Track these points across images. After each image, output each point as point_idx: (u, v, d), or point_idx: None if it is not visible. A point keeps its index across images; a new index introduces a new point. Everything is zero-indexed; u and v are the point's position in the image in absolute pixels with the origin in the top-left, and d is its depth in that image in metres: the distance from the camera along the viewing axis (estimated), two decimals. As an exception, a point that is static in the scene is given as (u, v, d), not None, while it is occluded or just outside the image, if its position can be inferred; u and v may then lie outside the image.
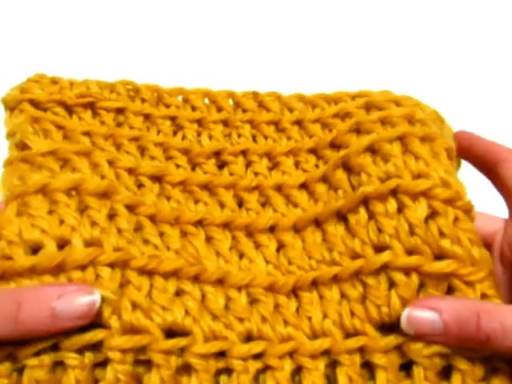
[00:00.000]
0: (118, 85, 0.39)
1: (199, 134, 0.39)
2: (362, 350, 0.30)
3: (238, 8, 0.53)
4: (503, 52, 0.48)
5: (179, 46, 0.50)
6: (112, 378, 0.29)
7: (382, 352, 0.30)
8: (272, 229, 0.34)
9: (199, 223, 0.34)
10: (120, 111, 0.38)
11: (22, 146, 0.34)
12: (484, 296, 0.30)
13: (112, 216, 0.32)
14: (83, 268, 0.30)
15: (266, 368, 0.30)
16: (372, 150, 0.34)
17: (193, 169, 0.37)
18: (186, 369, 0.30)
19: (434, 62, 0.48)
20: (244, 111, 0.40)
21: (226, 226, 0.34)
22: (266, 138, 0.39)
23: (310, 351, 0.30)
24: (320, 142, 0.37)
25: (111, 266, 0.30)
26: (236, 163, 0.37)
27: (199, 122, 0.39)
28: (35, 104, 0.37)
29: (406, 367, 0.30)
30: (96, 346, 0.29)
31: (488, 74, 0.47)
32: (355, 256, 0.32)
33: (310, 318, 0.31)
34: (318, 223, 0.34)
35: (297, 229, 0.34)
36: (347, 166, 0.35)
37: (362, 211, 0.32)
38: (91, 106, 0.38)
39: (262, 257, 0.33)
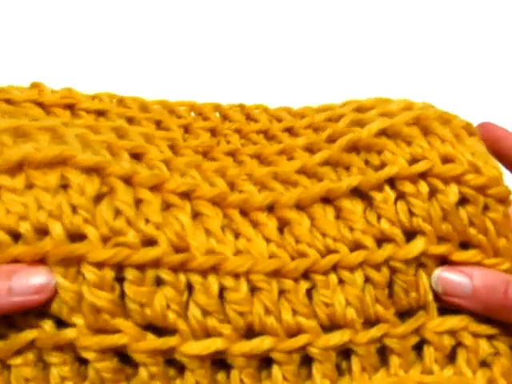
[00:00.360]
0: (100, 94, 0.38)
1: (185, 140, 0.37)
2: (381, 338, 0.29)
3: (233, 17, 0.54)
4: (503, 53, 0.49)
5: (173, 56, 0.50)
6: (94, 375, 0.26)
7: (399, 338, 0.29)
8: (271, 209, 0.30)
9: (186, 196, 0.29)
10: (101, 114, 0.36)
11: None
12: None
13: (65, 187, 0.27)
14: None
15: (271, 359, 0.27)
16: (386, 134, 0.32)
17: None
18: (178, 364, 0.27)
19: (434, 66, 0.49)
20: (231, 122, 0.39)
21: (216, 203, 0.29)
22: (255, 144, 0.37)
23: (326, 345, 0.27)
24: (315, 138, 0.35)
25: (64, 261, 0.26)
26: (224, 160, 0.35)
27: (186, 127, 0.37)
28: (11, 103, 0.34)
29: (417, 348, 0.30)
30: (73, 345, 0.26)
31: (488, 76, 0.48)
32: (383, 237, 0.29)
33: (327, 305, 0.28)
34: (327, 201, 0.31)
35: (301, 206, 0.30)
36: (358, 149, 0.32)
37: (388, 190, 0.30)
38: (70, 108, 0.36)
39: (261, 236, 0.29)
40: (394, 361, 0.29)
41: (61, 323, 0.27)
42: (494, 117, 0.43)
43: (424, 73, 0.50)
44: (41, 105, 0.35)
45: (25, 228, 0.26)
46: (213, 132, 0.38)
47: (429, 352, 0.30)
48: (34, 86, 0.36)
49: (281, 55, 0.52)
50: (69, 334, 0.26)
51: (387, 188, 0.30)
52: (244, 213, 0.30)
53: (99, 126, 0.33)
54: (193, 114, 0.39)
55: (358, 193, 0.30)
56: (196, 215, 0.29)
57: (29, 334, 0.26)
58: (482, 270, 0.30)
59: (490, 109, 0.45)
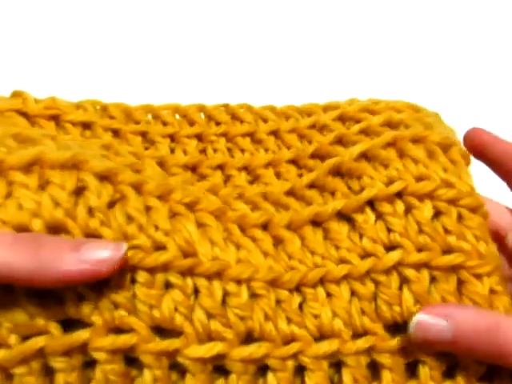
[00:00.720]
0: (84, 103, 0.37)
1: (172, 151, 0.37)
2: (369, 350, 0.30)
3: (228, 16, 0.52)
4: (504, 53, 0.49)
5: (165, 58, 0.49)
6: (101, 378, 0.27)
7: (390, 352, 0.30)
8: (265, 227, 0.32)
9: (190, 207, 0.31)
10: (87, 126, 0.36)
11: None
12: (492, 292, 0.30)
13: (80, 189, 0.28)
14: None
15: (267, 367, 0.29)
16: (366, 156, 0.34)
17: None
18: (181, 367, 0.28)
19: (431, 66, 0.49)
20: (217, 124, 0.39)
21: (218, 216, 0.31)
22: (242, 151, 0.38)
23: (316, 354, 0.29)
24: (300, 152, 0.37)
25: None
26: (214, 177, 0.36)
27: (172, 137, 0.38)
28: None
29: (411, 366, 0.30)
30: (83, 348, 0.27)
31: (488, 77, 0.48)
32: (365, 254, 0.31)
33: (316, 316, 0.30)
34: (315, 223, 0.33)
35: (293, 227, 0.32)
36: (341, 173, 0.34)
37: (369, 211, 0.32)
38: (55, 119, 0.35)
39: (259, 250, 0.31)
40: (386, 376, 0.30)
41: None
42: (493, 116, 0.44)
43: (422, 71, 0.49)
44: (25, 115, 0.34)
45: (37, 225, 0.26)
46: (199, 138, 0.38)
47: (424, 371, 0.30)
48: (16, 94, 0.35)
49: (275, 54, 0.51)
50: (82, 335, 0.27)
51: (368, 210, 0.32)
52: (242, 229, 0.32)
53: (89, 143, 0.34)
54: (177, 116, 0.39)
55: (342, 215, 0.33)
56: (200, 226, 0.30)
57: (37, 342, 0.26)
58: (465, 310, 0.28)
59: (488, 107, 0.45)
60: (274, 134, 0.38)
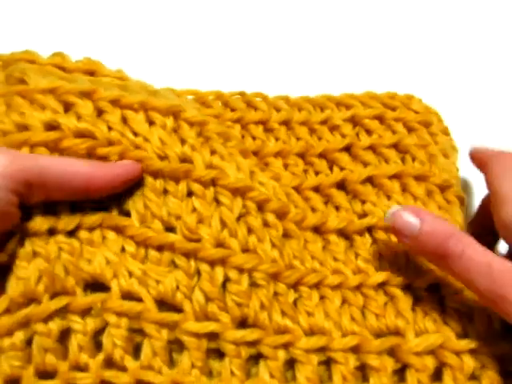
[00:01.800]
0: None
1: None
2: (356, 349, 0.32)
3: (234, 9, 0.52)
4: (504, 52, 0.50)
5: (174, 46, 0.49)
6: (109, 343, 0.30)
7: (376, 353, 0.31)
8: (280, 216, 0.34)
9: (211, 182, 0.33)
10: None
11: (18, 82, 0.33)
12: None
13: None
14: (91, 229, 0.31)
15: (259, 355, 0.31)
16: (371, 181, 0.37)
17: None
18: (178, 344, 0.31)
19: (436, 61, 0.49)
20: (232, 111, 0.40)
21: (238, 191, 0.33)
22: (254, 138, 0.39)
23: (305, 347, 0.31)
24: (309, 148, 0.39)
25: (115, 230, 0.32)
26: None
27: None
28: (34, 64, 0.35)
29: (400, 374, 0.32)
30: (97, 313, 0.30)
31: (489, 75, 0.49)
32: (358, 271, 0.34)
33: (309, 314, 0.33)
34: (316, 231, 0.36)
35: (300, 227, 0.35)
36: (345, 188, 0.37)
37: (367, 235, 0.36)
38: (92, 75, 0.37)
39: (268, 238, 0.33)
40: (375, 378, 0.31)
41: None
42: (494, 114, 0.45)
43: (426, 64, 0.49)
44: (63, 69, 0.36)
45: None
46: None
47: (411, 374, 0.31)
48: (56, 54, 0.37)
49: (281, 45, 0.50)
50: (100, 296, 0.30)
51: (366, 234, 0.36)
52: (260, 208, 0.34)
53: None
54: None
55: (342, 232, 0.36)
56: (217, 203, 0.33)
57: (62, 299, 0.29)
58: (436, 217, 0.31)
59: (489, 105, 0.46)
60: (286, 124, 0.40)
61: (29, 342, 0.29)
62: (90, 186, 0.30)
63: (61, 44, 0.39)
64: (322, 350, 0.31)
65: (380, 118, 0.39)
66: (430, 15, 0.52)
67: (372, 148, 0.38)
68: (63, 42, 0.42)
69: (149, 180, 0.33)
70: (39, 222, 0.30)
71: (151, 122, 0.34)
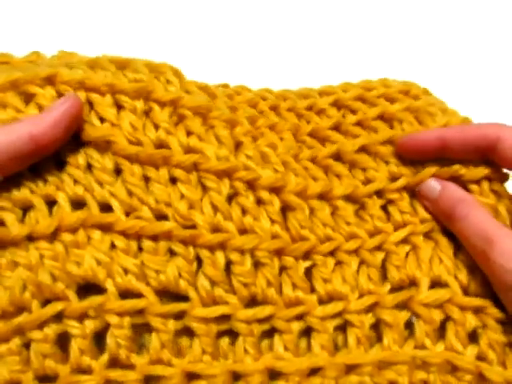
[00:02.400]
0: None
1: None
2: (372, 307, 0.32)
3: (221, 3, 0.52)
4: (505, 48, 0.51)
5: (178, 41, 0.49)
6: (112, 343, 0.29)
7: (390, 308, 0.32)
8: (275, 191, 0.34)
9: (193, 167, 0.32)
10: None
11: None
12: None
13: (90, 166, 0.31)
14: (74, 231, 0.30)
15: (273, 330, 0.31)
16: (366, 150, 0.37)
17: None
18: (187, 332, 0.30)
19: (432, 54, 0.51)
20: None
21: (223, 173, 0.32)
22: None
23: (321, 315, 0.32)
24: (298, 129, 0.39)
25: (99, 228, 0.30)
26: None
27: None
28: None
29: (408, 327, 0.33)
30: (95, 315, 0.29)
31: (489, 72, 0.50)
32: (375, 231, 0.35)
33: (325, 280, 0.33)
34: (323, 198, 0.35)
35: (303, 196, 0.34)
36: (342, 159, 0.37)
37: (376, 198, 0.36)
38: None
39: (265, 214, 0.33)
40: (387, 334, 0.32)
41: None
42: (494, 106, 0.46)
43: (422, 57, 0.51)
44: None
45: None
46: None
47: (419, 325, 0.32)
48: (32, 53, 0.36)
49: (264, 40, 0.52)
50: (97, 299, 0.29)
51: (375, 197, 0.36)
52: (252, 187, 0.33)
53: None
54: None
55: (349, 197, 0.36)
56: (204, 189, 0.32)
57: (56, 306, 0.28)
58: (459, 187, 0.35)
59: (490, 99, 0.48)
60: (274, 109, 0.40)
61: (27, 346, 0.28)
62: (38, 144, 0.28)
63: (63, 43, 0.38)
64: (338, 314, 0.32)
65: (362, 99, 0.40)
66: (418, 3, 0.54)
67: (359, 123, 0.39)
68: (65, 41, 0.42)
69: (126, 165, 0.31)
70: (16, 229, 0.29)
71: (120, 106, 0.32)
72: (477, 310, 0.32)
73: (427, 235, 0.35)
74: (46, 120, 0.29)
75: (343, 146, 0.37)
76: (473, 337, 0.32)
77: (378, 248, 0.34)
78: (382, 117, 0.39)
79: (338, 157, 0.37)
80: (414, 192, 0.36)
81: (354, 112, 0.40)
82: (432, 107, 0.39)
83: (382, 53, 0.51)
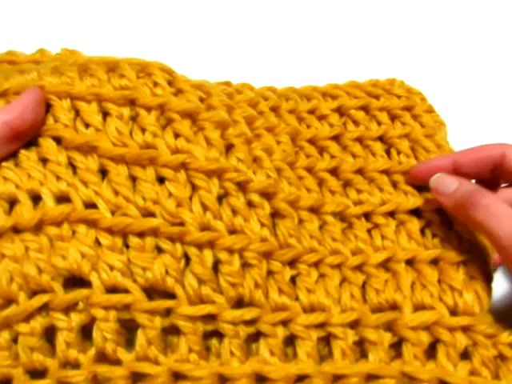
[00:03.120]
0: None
1: None
2: (355, 324, 0.32)
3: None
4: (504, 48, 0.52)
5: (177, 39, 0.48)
6: (99, 337, 0.29)
7: (374, 327, 0.32)
8: (267, 196, 0.34)
9: (182, 166, 0.32)
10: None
11: None
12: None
13: (72, 166, 0.31)
14: (58, 224, 0.29)
15: (259, 334, 0.31)
16: (362, 172, 0.38)
17: None
18: (174, 331, 0.30)
19: (419, 45, 0.51)
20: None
21: (213, 173, 0.32)
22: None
23: (305, 323, 0.31)
24: (298, 133, 0.39)
25: (84, 223, 0.30)
26: None
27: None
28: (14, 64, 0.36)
29: (396, 349, 0.32)
30: (81, 308, 0.29)
31: (472, 55, 0.51)
32: (357, 251, 0.35)
33: (309, 290, 0.33)
34: (313, 211, 0.35)
35: (294, 206, 0.34)
36: (337, 175, 0.38)
37: (363, 220, 0.36)
38: None
39: (256, 217, 0.33)
40: (372, 351, 0.31)
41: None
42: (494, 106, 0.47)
43: (409, 47, 0.51)
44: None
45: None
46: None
47: (407, 348, 0.32)
48: (38, 51, 0.37)
49: (266, 37, 0.51)
50: (82, 292, 0.29)
51: (363, 219, 0.36)
52: (243, 189, 0.33)
53: None
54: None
55: (336, 214, 0.36)
56: (194, 188, 0.32)
57: (42, 298, 0.28)
58: (471, 182, 0.35)
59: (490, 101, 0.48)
60: (275, 110, 0.40)
61: (16, 341, 0.28)
62: (12, 128, 0.30)
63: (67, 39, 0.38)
64: (321, 325, 0.32)
65: (365, 109, 0.41)
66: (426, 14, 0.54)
67: (359, 140, 0.39)
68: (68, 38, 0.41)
69: (112, 166, 0.31)
70: (1, 221, 0.28)
71: (106, 113, 0.32)
72: (465, 329, 0.32)
73: (409, 263, 0.35)
74: (15, 107, 0.30)
75: (342, 163, 0.38)
76: (463, 354, 0.32)
77: (359, 268, 0.34)
78: (381, 138, 0.40)
79: (334, 172, 0.38)
80: (401, 221, 0.36)
81: (355, 123, 0.40)
82: (429, 141, 0.39)
83: (389, 48, 0.51)
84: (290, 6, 0.53)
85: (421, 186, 0.38)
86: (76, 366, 0.28)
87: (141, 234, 0.30)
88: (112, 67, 0.34)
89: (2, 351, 0.27)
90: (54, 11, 0.49)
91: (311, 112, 0.40)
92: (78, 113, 0.32)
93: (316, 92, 0.42)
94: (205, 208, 0.31)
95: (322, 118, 0.40)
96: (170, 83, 0.34)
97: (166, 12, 0.51)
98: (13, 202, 0.30)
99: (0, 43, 0.37)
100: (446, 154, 0.38)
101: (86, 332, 0.29)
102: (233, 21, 0.51)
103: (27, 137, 0.31)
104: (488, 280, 0.35)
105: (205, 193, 0.32)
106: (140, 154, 0.31)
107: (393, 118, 0.41)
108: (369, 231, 0.36)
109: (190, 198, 0.31)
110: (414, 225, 0.36)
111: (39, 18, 0.48)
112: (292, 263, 0.33)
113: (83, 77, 0.33)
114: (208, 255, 0.31)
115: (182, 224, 0.31)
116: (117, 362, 0.29)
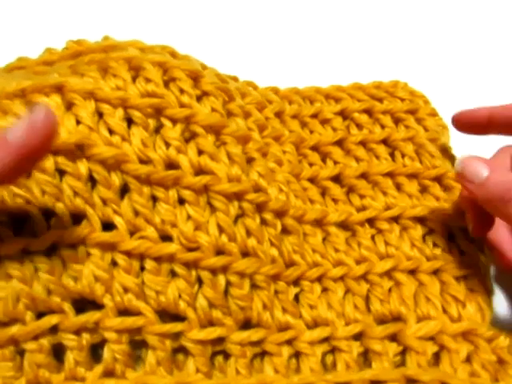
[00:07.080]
0: None
1: None
2: (359, 336, 0.32)
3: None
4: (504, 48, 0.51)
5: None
6: (109, 357, 0.29)
7: (379, 339, 0.32)
8: (279, 214, 0.34)
9: (204, 189, 0.31)
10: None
11: None
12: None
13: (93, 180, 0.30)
14: (74, 246, 0.29)
15: (264, 353, 0.31)
16: (365, 177, 0.38)
17: None
18: (183, 351, 0.30)
19: (421, 45, 0.51)
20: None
21: (233, 195, 0.32)
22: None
23: (309, 339, 0.32)
24: (302, 140, 0.38)
25: (100, 246, 0.29)
26: None
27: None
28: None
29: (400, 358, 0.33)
30: (92, 329, 0.28)
31: (474, 55, 0.50)
32: (361, 259, 0.35)
33: (311, 306, 0.33)
34: (317, 223, 0.35)
35: (300, 221, 0.35)
36: (340, 181, 0.37)
37: (368, 226, 0.36)
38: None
39: (267, 237, 0.33)
40: (376, 361, 0.32)
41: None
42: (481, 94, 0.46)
43: (411, 48, 0.50)
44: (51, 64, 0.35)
45: None
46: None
47: (410, 357, 0.32)
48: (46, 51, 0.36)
49: (270, 36, 0.50)
50: (94, 315, 0.28)
51: (367, 225, 0.36)
52: (260, 209, 0.33)
53: None
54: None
55: (340, 224, 0.36)
56: (212, 210, 0.32)
57: (51, 319, 0.28)
58: (504, 172, 0.32)
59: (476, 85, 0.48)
60: (279, 115, 0.39)
61: (21, 353, 0.27)
62: (28, 158, 0.25)
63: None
64: (325, 340, 0.32)
65: (368, 112, 0.40)
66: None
67: (362, 143, 0.39)
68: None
69: (135, 185, 0.30)
70: (11, 243, 0.28)
71: (131, 121, 0.31)
72: (467, 333, 0.33)
73: (412, 274, 0.35)
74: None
75: (345, 169, 0.37)
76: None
77: (363, 277, 0.34)
78: (385, 141, 0.39)
79: (337, 179, 0.38)
80: (405, 226, 0.36)
81: (358, 126, 0.40)
82: (433, 146, 0.39)
83: (392, 50, 0.50)
84: (295, 6, 0.52)
85: (424, 190, 0.38)
86: (79, 380, 0.28)
87: (157, 259, 0.30)
88: (134, 66, 0.32)
89: (5, 362, 0.27)
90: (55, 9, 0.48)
91: (314, 116, 0.40)
92: (101, 116, 0.31)
93: (319, 94, 0.41)
94: (221, 230, 0.31)
95: (325, 122, 0.40)
96: (195, 84, 0.33)
97: (172, 8, 0.50)
98: (24, 219, 0.29)
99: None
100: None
101: (93, 347, 0.29)
102: (238, 20, 0.50)
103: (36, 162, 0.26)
104: (488, 293, 0.35)
105: (223, 216, 0.31)
106: (165, 176, 0.30)
107: (396, 121, 0.41)
108: (372, 237, 0.36)
109: (207, 221, 0.31)
110: (417, 231, 0.36)
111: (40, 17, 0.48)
112: (296, 281, 0.33)
113: (105, 77, 0.31)
114: (221, 279, 0.31)
115: (197, 248, 0.31)
116: (123, 377, 0.29)
